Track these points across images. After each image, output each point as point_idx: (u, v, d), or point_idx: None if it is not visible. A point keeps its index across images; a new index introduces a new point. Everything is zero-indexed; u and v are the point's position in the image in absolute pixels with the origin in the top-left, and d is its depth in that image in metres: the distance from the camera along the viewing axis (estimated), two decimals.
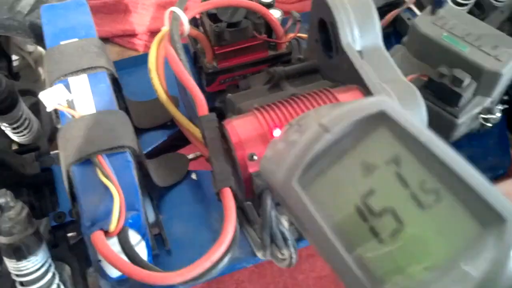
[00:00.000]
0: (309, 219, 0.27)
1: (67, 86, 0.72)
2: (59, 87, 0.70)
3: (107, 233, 0.61)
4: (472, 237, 0.26)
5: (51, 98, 0.69)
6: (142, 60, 1.01)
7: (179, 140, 0.91)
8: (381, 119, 0.29)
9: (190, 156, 0.89)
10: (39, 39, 1.06)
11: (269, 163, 0.31)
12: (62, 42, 0.79)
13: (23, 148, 0.89)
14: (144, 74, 0.87)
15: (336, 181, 0.29)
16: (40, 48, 1.27)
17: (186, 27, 0.82)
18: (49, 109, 0.70)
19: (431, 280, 0.25)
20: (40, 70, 1.28)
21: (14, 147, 0.93)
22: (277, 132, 0.67)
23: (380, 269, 0.26)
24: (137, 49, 1.42)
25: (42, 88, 1.03)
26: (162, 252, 0.78)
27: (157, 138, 0.91)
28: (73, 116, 0.69)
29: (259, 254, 0.73)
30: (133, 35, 1.44)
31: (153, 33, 1.43)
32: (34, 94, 0.98)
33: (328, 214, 0.27)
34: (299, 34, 0.91)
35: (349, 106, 0.29)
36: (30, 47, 1.28)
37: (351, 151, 0.29)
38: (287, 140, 0.31)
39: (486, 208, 0.25)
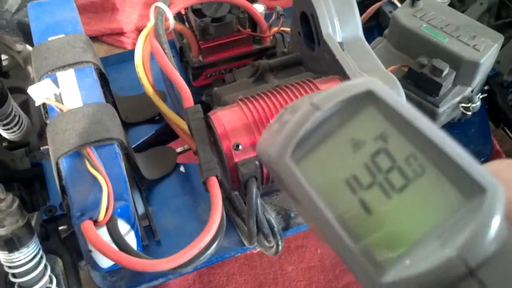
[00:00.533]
0: (301, 191, 0.29)
1: (55, 81, 0.74)
2: (47, 81, 0.72)
3: (96, 223, 0.62)
4: (455, 206, 0.27)
5: (40, 92, 0.71)
6: (129, 56, 1.03)
7: (167, 134, 0.92)
8: (368, 98, 0.30)
9: (178, 149, 0.90)
10: (27, 37, 1.08)
11: (264, 143, 0.33)
12: (49, 38, 0.80)
13: (13, 144, 0.90)
14: (132, 70, 0.88)
15: (327, 156, 0.30)
16: (28, 47, 1.28)
17: (171, 22, 0.84)
18: (37, 103, 0.71)
19: (417, 247, 0.27)
20: (29, 68, 1.30)
21: (4, 144, 0.94)
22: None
23: (367, 236, 0.28)
24: (125, 47, 1.43)
25: (31, 85, 1.04)
26: (152, 243, 0.79)
27: (146, 132, 0.93)
28: (61, 110, 0.71)
29: (246, 242, 0.75)
30: (121, 33, 1.45)
31: (140, 31, 1.43)
32: (24, 92, 0.99)
33: (319, 186, 0.29)
34: (282, 28, 0.92)
35: (339, 86, 0.31)
36: (19, 46, 1.29)
37: (340, 128, 0.31)
38: (281, 121, 0.32)
39: (468, 179, 0.27)
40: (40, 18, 0.84)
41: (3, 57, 1.24)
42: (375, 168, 0.29)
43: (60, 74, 0.75)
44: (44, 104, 0.73)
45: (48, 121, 0.79)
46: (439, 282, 0.26)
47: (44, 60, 0.77)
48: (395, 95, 0.30)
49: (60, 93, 0.72)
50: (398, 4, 1.08)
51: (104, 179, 0.63)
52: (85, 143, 0.66)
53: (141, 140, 0.92)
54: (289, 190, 0.30)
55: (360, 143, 0.30)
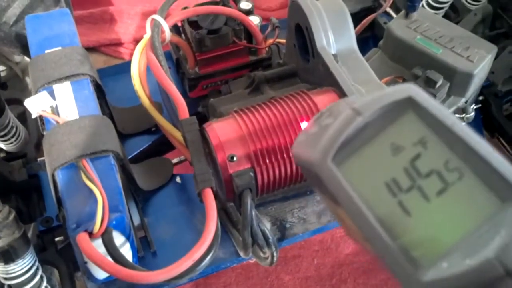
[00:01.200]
0: (343, 193, 0.30)
1: (52, 93, 0.74)
2: (43, 94, 0.72)
3: (91, 235, 0.62)
4: (492, 210, 0.28)
5: (36, 105, 0.71)
6: (126, 67, 1.03)
7: (163, 145, 0.93)
8: (409, 104, 0.31)
9: (174, 160, 0.91)
10: (25, 49, 1.08)
11: (302, 146, 0.34)
12: (46, 51, 0.80)
13: (10, 155, 0.91)
14: (129, 81, 0.89)
15: (367, 160, 0.31)
16: (27, 58, 1.29)
17: (167, 34, 0.84)
18: (34, 115, 0.72)
19: (457, 249, 0.28)
20: (27, 79, 1.30)
21: (2, 155, 0.95)
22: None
23: (407, 237, 0.29)
24: (123, 57, 1.44)
25: (29, 96, 1.05)
26: (148, 254, 0.79)
27: (142, 143, 0.93)
28: (57, 122, 0.71)
29: (242, 253, 0.75)
30: (119, 44, 1.46)
31: (138, 41, 1.44)
32: (21, 103, 1.00)
33: (360, 189, 0.30)
34: (278, 40, 0.93)
35: (380, 92, 0.32)
36: (17, 57, 1.30)
37: (381, 133, 0.32)
38: (320, 124, 0.34)
39: (505, 183, 0.28)
40: (37, 31, 0.85)
41: (1, 68, 1.25)
42: (414, 172, 0.30)
43: (56, 87, 0.76)
44: (41, 116, 0.74)
45: (44, 133, 0.80)
46: (477, 283, 0.27)
47: (41, 72, 0.77)
48: (435, 101, 0.31)
49: (56, 105, 0.73)
50: (394, 15, 1.09)
51: (99, 191, 0.63)
52: (81, 155, 0.67)
53: (138, 151, 0.93)
54: (330, 192, 0.31)
55: (400, 148, 0.31)
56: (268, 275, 1.09)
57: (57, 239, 0.82)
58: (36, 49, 0.82)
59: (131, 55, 1.42)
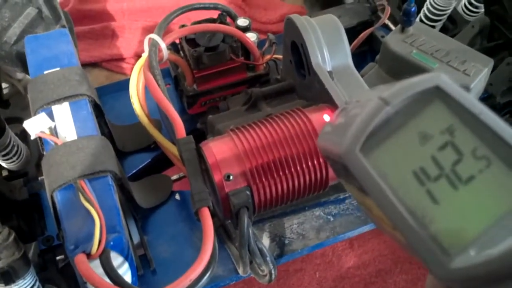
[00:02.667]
0: (372, 183, 0.31)
1: (51, 114, 0.75)
2: (42, 116, 0.73)
3: (89, 256, 0.63)
4: None
5: (35, 126, 0.72)
6: (126, 85, 1.05)
7: (162, 162, 0.93)
8: (436, 93, 0.32)
9: (174, 177, 0.91)
10: (26, 68, 1.09)
11: (329, 137, 0.35)
12: (45, 72, 0.81)
13: (11, 174, 0.92)
14: (129, 98, 0.90)
15: (395, 149, 0.32)
16: (29, 76, 1.30)
17: (165, 53, 0.85)
18: (32, 137, 0.72)
19: (482, 236, 0.29)
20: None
21: (4, 173, 0.96)
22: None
23: (436, 224, 0.30)
24: (125, 72, 1.45)
25: (30, 115, 1.06)
26: (147, 272, 0.80)
27: (141, 161, 0.94)
28: (55, 143, 0.72)
29: (240, 271, 0.76)
30: (121, 59, 1.47)
31: (140, 57, 1.46)
32: (22, 121, 1.01)
33: (388, 178, 0.31)
34: (275, 56, 0.94)
35: (407, 81, 0.33)
36: (19, 75, 1.31)
37: (408, 122, 0.32)
38: (347, 115, 0.34)
39: None
40: (36, 52, 0.86)
41: (4, 85, 1.26)
42: (442, 160, 0.31)
43: (55, 108, 0.76)
44: (40, 137, 0.75)
45: (44, 153, 0.81)
46: (505, 270, 0.27)
47: (39, 93, 0.78)
48: (462, 90, 0.31)
49: (55, 126, 0.74)
50: (393, 27, 1.10)
51: (97, 212, 0.64)
52: (79, 176, 0.68)
53: (138, 168, 0.93)
54: (359, 182, 0.31)
55: (428, 136, 0.31)
56: None
57: (58, 257, 0.82)
58: (35, 70, 0.83)
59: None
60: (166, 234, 0.84)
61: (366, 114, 0.32)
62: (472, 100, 0.31)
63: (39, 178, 0.91)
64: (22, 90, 1.32)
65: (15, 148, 0.91)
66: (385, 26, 1.10)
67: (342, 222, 0.84)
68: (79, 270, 0.62)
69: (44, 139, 0.74)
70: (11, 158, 0.91)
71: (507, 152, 0.30)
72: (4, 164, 0.93)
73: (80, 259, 0.62)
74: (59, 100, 0.77)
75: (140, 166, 0.93)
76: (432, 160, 0.31)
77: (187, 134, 0.88)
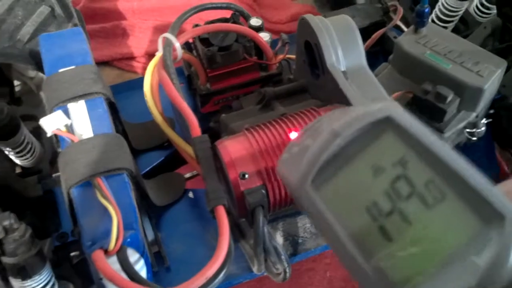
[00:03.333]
0: (322, 219, 0.30)
1: (66, 112, 0.76)
2: (58, 113, 0.74)
3: (106, 252, 0.64)
4: (474, 233, 0.28)
5: (51, 123, 0.73)
6: (138, 83, 1.05)
7: (175, 160, 0.94)
8: (387, 123, 0.31)
9: (187, 175, 0.92)
10: (40, 66, 1.10)
11: (285, 166, 0.34)
12: (60, 70, 0.82)
13: (26, 171, 0.92)
14: (141, 97, 0.90)
15: (347, 183, 0.31)
16: (41, 74, 1.31)
17: (179, 52, 0.86)
18: (49, 134, 0.73)
19: (438, 273, 0.28)
20: (42, 94, 1.32)
21: (18, 170, 0.96)
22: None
23: (387, 261, 0.29)
24: (136, 71, 1.46)
25: (43, 112, 1.07)
26: (162, 269, 0.80)
27: (155, 159, 0.94)
28: (72, 141, 0.72)
29: (255, 269, 0.76)
30: (131, 58, 1.48)
31: (151, 55, 1.47)
32: (36, 119, 1.02)
33: (340, 214, 0.30)
34: (288, 56, 0.94)
35: (358, 112, 0.32)
36: (31, 73, 1.32)
37: (360, 155, 0.31)
38: (301, 144, 0.33)
39: (487, 205, 0.28)
40: (51, 50, 0.86)
41: (16, 83, 1.27)
42: (395, 194, 0.30)
43: (71, 105, 0.77)
44: (55, 134, 0.75)
45: (59, 150, 0.81)
46: None
47: (55, 92, 0.79)
48: (414, 120, 0.31)
49: (71, 124, 0.74)
50: (404, 28, 1.10)
51: (114, 209, 0.64)
52: (95, 173, 0.68)
53: (151, 166, 0.94)
54: (310, 217, 0.31)
55: (380, 169, 0.31)
56: None
57: (72, 254, 0.83)
58: (50, 68, 0.83)
59: (144, 68, 1.45)
60: (179, 232, 0.85)
61: (316, 146, 0.31)
62: (424, 131, 0.30)
63: (53, 175, 0.92)
64: (34, 88, 1.32)
65: (29, 145, 0.92)
66: (396, 27, 1.10)
67: None
68: (97, 266, 0.62)
69: (60, 137, 0.75)
70: (25, 155, 0.92)
71: (460, 184, 0.28)
72: (18, 161, 0.94)
73: (97, 255, 0.62)
74: (74, 98, 0.78)
75: (153, 165, 0.94)
76: (385, 194, 0.30)
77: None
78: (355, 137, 0.31)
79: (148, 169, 0.93)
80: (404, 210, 0.29)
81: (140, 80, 1.05)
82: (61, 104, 0.77)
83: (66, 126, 0.73)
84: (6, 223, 0.66)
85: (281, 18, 1.51)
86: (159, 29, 1.51)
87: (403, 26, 1.13)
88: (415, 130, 0.30)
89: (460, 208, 0.28)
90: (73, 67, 0.82)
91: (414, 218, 0.29)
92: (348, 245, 0.29)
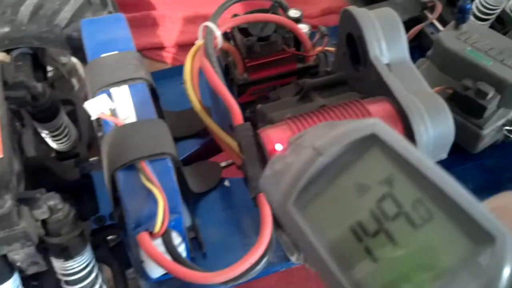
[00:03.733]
0: (305, 240, 0.28)
1: (109, 96, 0.76)
2: (102, 97, 0.75)
3: (151, 234, 0.64)
4: (465, 255, 0.26)
5: (95, 107, 0.73)
6: (167, 73, 1.07)
7: (211, 149, 0.94)
8: (372, 141, 0.29)
9: (223, 164, 0.92)
10: (75, 52, 1.11)
11: (267, 183, 0.32)
12: (103, 55, 0.83)
13: (63, 155, 0.93)
14: (171, 87, 0.91)
15: (331, 203, 0.29)
16: (73, 60, 1.32)
17: (219, 40, 0.86)
18: (93, 117, 0.74)
19: None
20: (73, 80, 1.33)
21: (53, 154, 0.98)
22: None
23: (374, 285, 0.27)
24: (165, 61, 1.47)
25: (77, 98, 1.08)
26: (198, 255, 0.81)
27: (190, 147, 0.95)
28: (116, 124, 0.73)
29: (293, 258, 0.77)
30: (161, 48, 1.49)
31: (180, 46, 1.48)
32: (71, 103, 1.03)
33: (324, 235, 0.28)
34: (326, 48, 0.94)
35: (342, 129, 0.30)
36: (64, 59, 1.33)
37: (344, 173, 0.30)
38: (284, 160, 0.31)
39: (476, 226, 0.26)
40: (93, 35, 0.87)
41: (49, 68, 1.28)
42: (381, 214, 0.28)
43: (114, 90, 0.78)
44: (98, 117, 0.76)
45: (100, 134, 0.82)
46: None
47: (98, 76, 0.79)
48: (400, 137, 0.29)
49: (114, 108, 0.75)
50: (439, 26, 1.10)
51: (159, 192, 0.65)
52: (140, 157, 0.69)
53: (186, 155, 0.94)
54: (293, 238, 0.30)
55: (365, 188, 0.29)
56: (308, 281, 1.10)
57: (109, 237, 0.84)
58: (93, 53, 0.84)
59: (173, 59, 1.47)
60: (215, 220, 0.85)
61: (298, 165, 0.30)
62: (410, 149, 0.29)
63: (90, 159, 0.93)
64: (66, 75, 1.34)
65: (66, 130, 0.93)
66: (432, 24, 1.10)
67: None
68: (143, 247, 0.63)
69: (103, 120, 0.76)
70: (61, 139, 0.93)
71: (448, 204, 0.27)
72: (54, 145, 0.95)
73: (143, 237, 0.63)
74: (118, 83, 0.78)
75: (189, 152, 0.94)
76: (370, 213, 0.28)
77: (231, 123, 0.89)
78: (339, 155, 0.30)
79: (183, 157, 0.94)
80: (391, 230, 0.28)
81: (170, 70, 1.06)
82: (104, 88, 0.78)
83: (110, 110, 0.74)
84: (51, 203, 0.67)
85: (311, 12, 1.52)
86: (189, 20, 1.52)
87: (436, 23, 1.12)
88: (401, 148, 0.29)
89: (449, 229, 0.27)
90: (115, 52, 0.83)
91: (400, 238, 0.27)
92: (332, 267, 0.27)
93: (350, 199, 0.29)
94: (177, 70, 1.11)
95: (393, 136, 0.29)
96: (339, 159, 0.30)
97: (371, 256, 0.28)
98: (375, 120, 0.30)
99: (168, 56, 1.47)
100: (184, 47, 1.48)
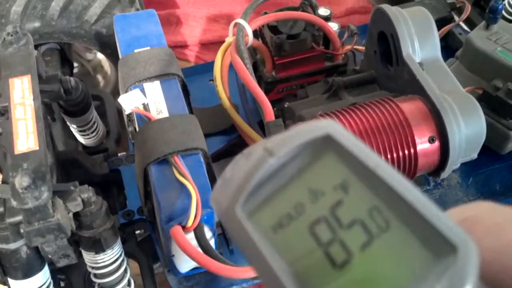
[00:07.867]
0: (254, 250, 0.25)
1: (142, 91, 0.77)
2: (136, 92, 0.75)
3: (184, 228, 0.65)
4: (424, 266, 0.24)
5: (129, 101, 0.74)
6: (190, 72, 1.08)
7: (238, 145, 0.95)
8: (327, 143, 0.27)
9: None
10: (103, 48, 1.12)
11: (216, 194, 0.29)
12: (136, 50, 0.83)
13: (93, 150, 0.94)
14: (197, 83, 0.91)
15: (282, 209, 0.27)
16: (98, 56, 1.34)
17: (250, 37, 0.87)
18: (127, 111, 0.74)
19: None
20: (99, 77, 1.35)
21: (79, 149, 0.99)
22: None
23: None
24: (188, 59, 1.47)
25: (105, 93, 1.08)
26: (225, 251, 0.81)
27: (218, 143, 0.96)
28: (149, 119, 0.74)
29: None
30: (184, 46, 1.49)
31: (203, 44, 1.49)
32: (99, 99, 1.04)
33: (275, 244, 0.26)
34: (355, 46, 0.94)
35: (295, 129, 0.27)
36: (89, 55, 1.35)
37: (297, 176, 0.27)
38: (234, 168, 0.28)
39: (437, 236, 0.24)
40: (126, 30, 0.88)
41: (75, 64, 1.29)
42: (335, 222, 0.26)
43: (147, 85, 0.78)
44: (130, 112, 0.77)
45: (130, 129, 0.83)
46: None
47: (131, 71, 0.80)
48: (357, 140, 0.27)
49: (147, 103, 0.76)
50: (465, 27, 1.09)
51: (192, 187, 0.66)
52: (173, 152, 0.69)
53: (213, 152, 0.95)
54: (240, 247, 0.26)
55: (319, 194, 0.27)
56: None
57: (137, 232, 0.85)
58: (126, 48, 0.85)
59: (196, 57, 1.47)
60: None
61: (248, 166, 0.27)
62: (367, 152, 0.27)
63: (119, 154, 0.93)
64: (91, 71, 1.35)
65: (95, 125, 0.94)
66: (458, 24, 1.10)
67: None
68: (176, 241, 0.64)
69: (136, 115, 0.76)
70: (90, 134, 0.94)
71: (407, 212, 0.25)
72: (82, 140, 0.96)
73: (176, 231, 0.64)
74: (150, 78, 0.79)
75: (216, 149, 0.95)
76: (324, 221, 0.26)
77: (258, 121, 0.90)
78: (291, 157, 0.27)
79: (211, 153, 0.94)
80: (345, 240, 0.25)
81: (194, 68, 1.07)
82: (137, 83, 0.79)
83: (143, 104, 0.75)
84: (85, 195, 0.68)
85: (335, 12, 1.51)
86: (213, 19, 1.52)
87: (464, 26, 1.12)
88: (358, 150, 0.26)
89: (407, 239, 0.25)
90: (148, 48, 0.84)
91: (356, 249, 0.25)
92: (284, 279, 0.25)
93: (302, 205, 0.26)
94: (200, 68, 1.12)
95: (349, 138, 0.27)
96: (291, 161, 0.27)
97: (326, 267, 0.25)
98: (330, 122, 0.28)
99: (191, 54, 1.47)
100: (207, 45, 1.49)
